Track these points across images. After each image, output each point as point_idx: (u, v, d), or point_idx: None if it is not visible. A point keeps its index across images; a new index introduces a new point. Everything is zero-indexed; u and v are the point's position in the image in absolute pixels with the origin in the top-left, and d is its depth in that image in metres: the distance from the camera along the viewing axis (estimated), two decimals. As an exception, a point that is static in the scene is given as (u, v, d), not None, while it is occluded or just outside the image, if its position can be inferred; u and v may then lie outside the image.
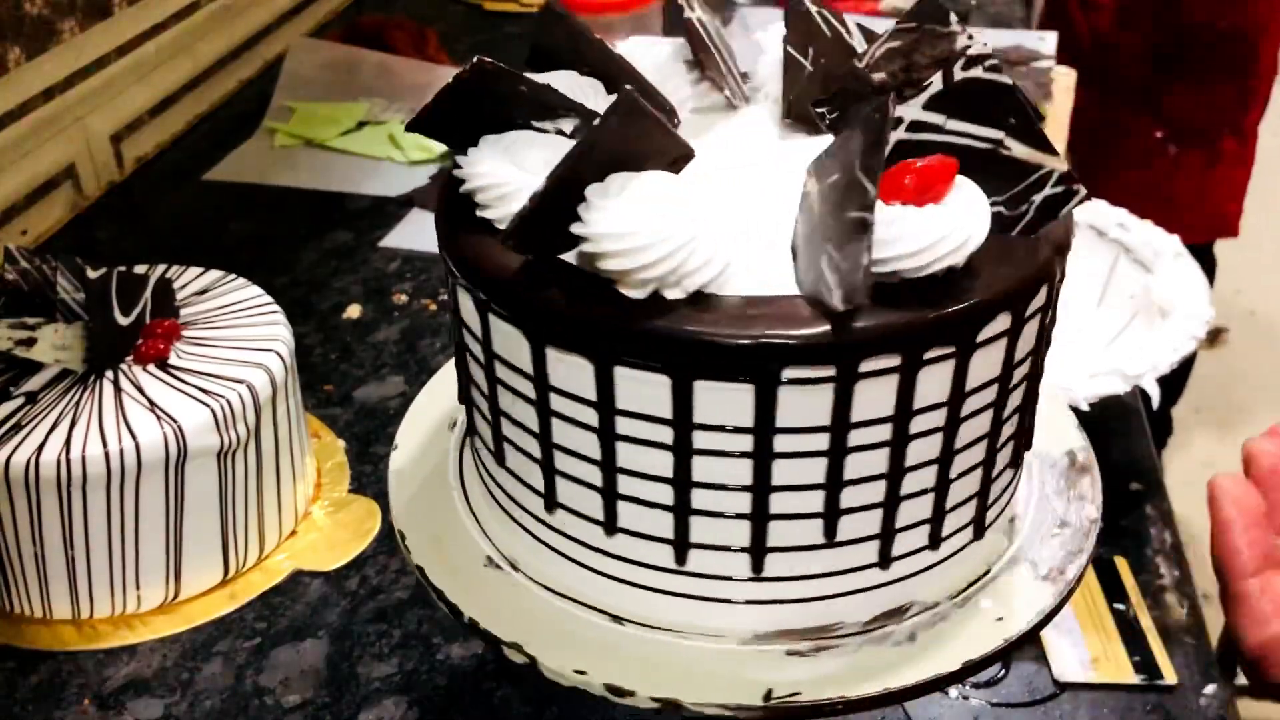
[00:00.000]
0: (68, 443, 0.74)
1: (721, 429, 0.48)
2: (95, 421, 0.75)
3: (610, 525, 0.52)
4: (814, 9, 0.59)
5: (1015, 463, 0.56)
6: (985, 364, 0.49)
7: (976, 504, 0.54)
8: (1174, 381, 1.92)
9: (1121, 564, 0.84)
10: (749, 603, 0.52)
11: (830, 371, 0.46)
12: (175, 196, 1.35)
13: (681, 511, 0.50)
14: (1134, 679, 0.75)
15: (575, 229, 0.47)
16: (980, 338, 0.48)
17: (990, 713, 0.74)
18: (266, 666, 0.77)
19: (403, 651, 0.78)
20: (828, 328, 0.45)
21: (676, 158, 0.50)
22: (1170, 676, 0.75)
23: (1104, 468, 0.63)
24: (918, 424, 0.49)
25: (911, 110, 0.49)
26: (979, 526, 0.54)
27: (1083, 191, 0.48)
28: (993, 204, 0.49)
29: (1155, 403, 0.90)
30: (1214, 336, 2.53)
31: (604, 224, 0.46)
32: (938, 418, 0.49)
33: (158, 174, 1.40)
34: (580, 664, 0.51)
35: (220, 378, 0.79)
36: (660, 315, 0.47)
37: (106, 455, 0.74)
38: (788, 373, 0.46)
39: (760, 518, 0.50)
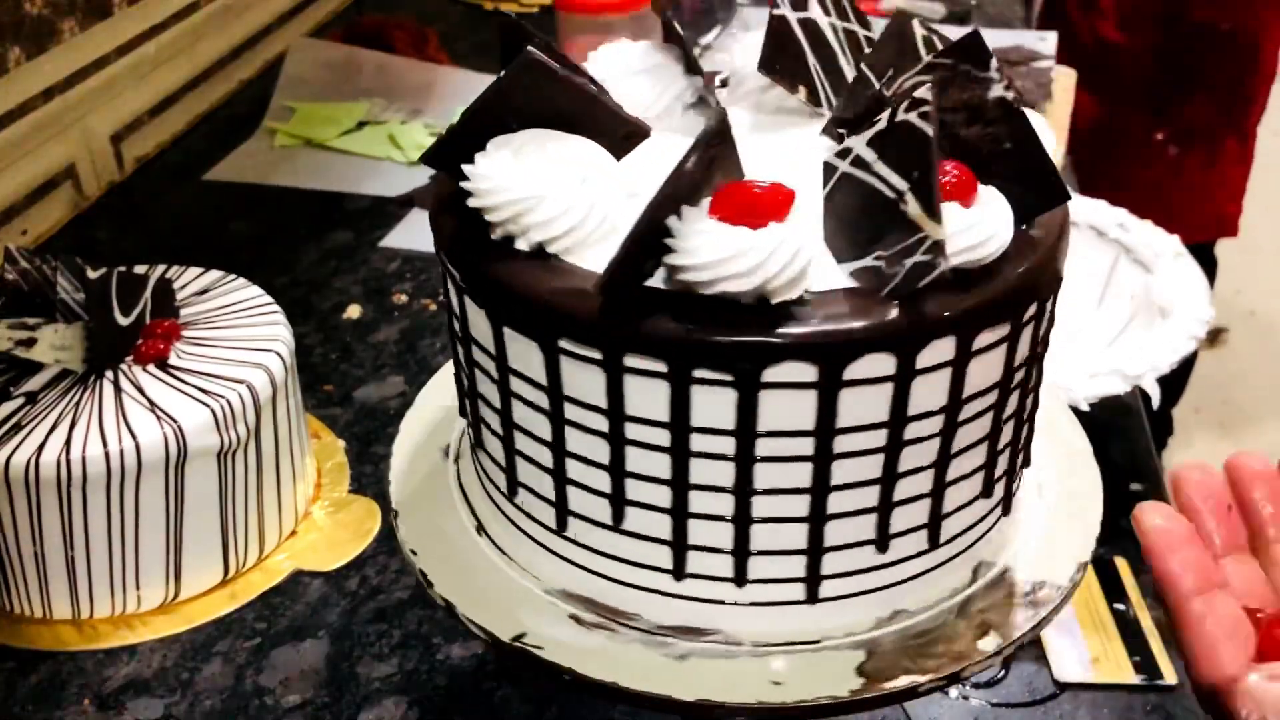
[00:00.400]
0: (68, 443, 0.74)
1: (495, 360, 0.52)
2: (95, 421, 0.75)
3: (478, 443, 0.58)
4: (920, 30, 0.58)
5: (883, 545, 0.53)
6: (782, 410, 0.48)
7: (806, 563, 0.52)
8: (1174, 381, 1.92)
9: (1121, 564, 0.84)
10: (558, 557, 0.55)
11: (597, 354, 0.48)
12: (175, 196, 1.35)
13: (509, 438, 0.54)
14: (1134, 679, 0.75)
15: (465, 168, 0.51)
16: (766, 378, 0.47)
17: (990, 713, 0.74)
18: (266, 666, 0.77)
19: (403, 651, 0.78)
20: (593, 308, 0.47)
21: (627, 134, 0.52)
22: (1170, 676, 0.75)
23: (1104, 468, 0.63)
24: (633, 431, 0.49)
25: (858, 144, 0.49)
26: (811, 590, 0.53)
27: (942, 267, 0.47)
28: (876, 257, 0.48)
29: (1155, 403, 0.90)
30: (1214, 336, 2.53)
31: (478, 167, 0.50)
32: (660, 437, 0.49)
33: (158, 174, 1.40)
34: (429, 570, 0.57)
35: (220, 378, 0.79)
36: (494, 261, 0.50)
37: (106, 455, 0.74)
38: (564, 343, 0.48)
39: (559, 476, 0.52)
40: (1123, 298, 1.04)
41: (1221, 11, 1.78)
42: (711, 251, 0.46)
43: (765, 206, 0.47)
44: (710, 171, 0.48)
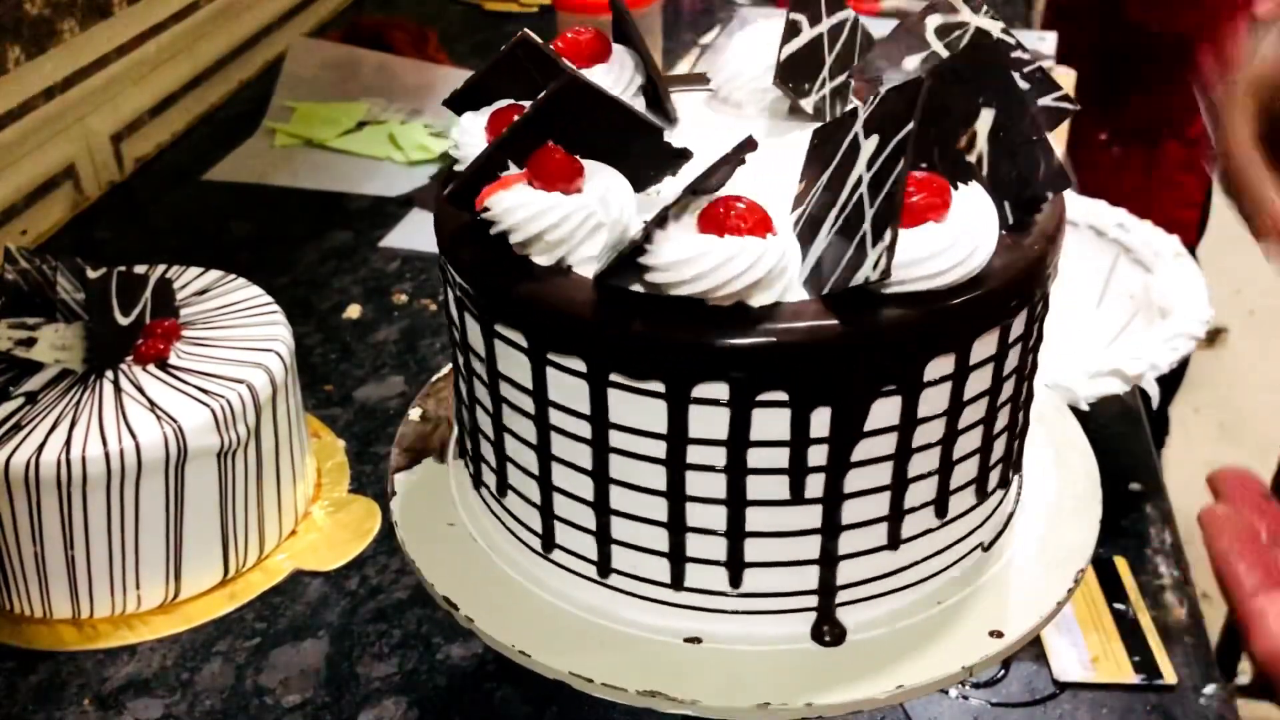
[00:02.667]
0: (68, 443, 0.74)
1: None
2: (95, 421, 0.75)
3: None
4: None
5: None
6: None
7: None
8: (1173, 381, 1.91)
9: (1121, 564, 0.84)
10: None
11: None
12: (175, 196, 1.35)
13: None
14: (1134, 679, 0.75)
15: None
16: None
17: (990, 712, 0.74)
18: (266, 666, 0.77)
19: (403, 651, 0.78)
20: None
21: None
22: (1170, 676, 0.75)
23: (1104, 468, 0.63)
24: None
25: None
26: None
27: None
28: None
29: (1155, 403, 0.90)
30: (1214, 336, 2.53)
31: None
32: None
33: (158, 174, 1.40)
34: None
35: (220, 378, 0.79)
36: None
37: (106, 455, 0.74)
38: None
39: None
40: (1122, 298, 1.04)
41: (1152, 13, 1.77)
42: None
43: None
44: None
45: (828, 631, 0.53)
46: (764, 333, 0.47)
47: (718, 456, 0.49)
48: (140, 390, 0.78)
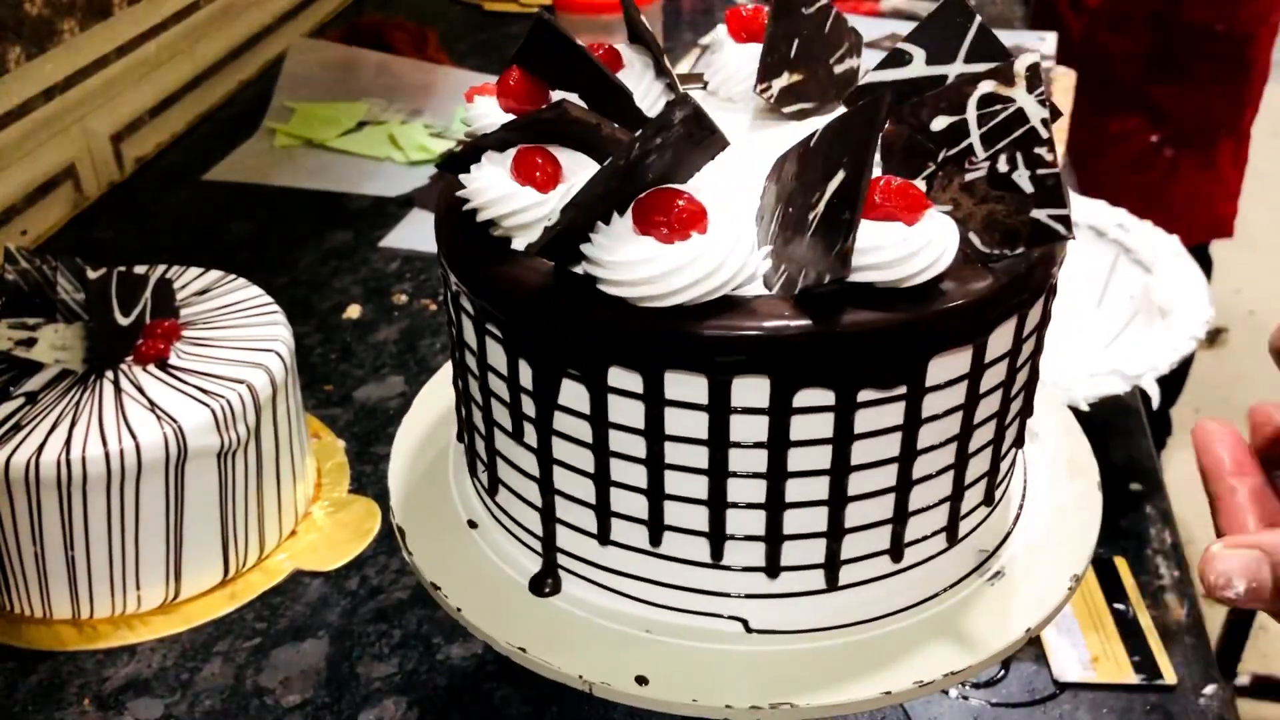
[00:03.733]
0: (68, 443, 0.74)
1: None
2: (95, 421, 0.75)
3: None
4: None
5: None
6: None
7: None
8: (1173, 381, 1.92)
9: (1121, 564, 0.84)
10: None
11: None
12: (175, 196, 1.35)
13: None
14: (1134, 679, 0.75)
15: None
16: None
17: (990, 712, 0.74)
18: (266, 666, 0.77)
19: (403, 651, 0.78)
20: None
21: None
22: (1170, 676, 0.75)
23: (1104, 468, 0.63)
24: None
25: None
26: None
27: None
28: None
29: (1155, 403, 0.90)
30: (1214, 336, 2.53)
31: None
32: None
33: (158, 174, 1.40)
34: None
35: (220, 378, 0.79)
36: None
37: (106, 455, 0.74)
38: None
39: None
40: (1122, 298, 1.04)
41: (1215, 12, 1.78)
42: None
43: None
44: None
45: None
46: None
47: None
48: (140, 390, 0.78)
